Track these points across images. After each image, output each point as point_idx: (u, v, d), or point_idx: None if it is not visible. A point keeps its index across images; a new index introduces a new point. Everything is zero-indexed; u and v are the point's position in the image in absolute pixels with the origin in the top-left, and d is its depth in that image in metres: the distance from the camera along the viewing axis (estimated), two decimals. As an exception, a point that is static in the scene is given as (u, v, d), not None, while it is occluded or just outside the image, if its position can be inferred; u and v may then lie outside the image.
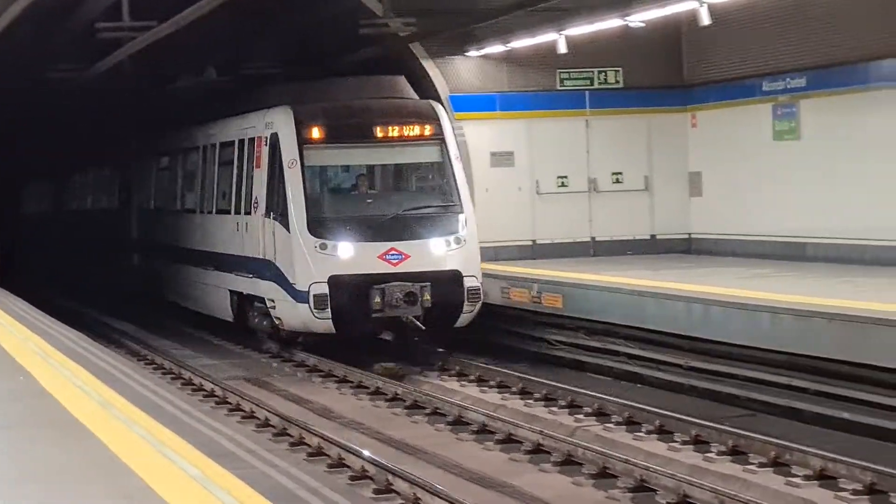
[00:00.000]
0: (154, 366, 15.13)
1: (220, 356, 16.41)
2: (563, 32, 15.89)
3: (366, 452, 8.68)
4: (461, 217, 13.99)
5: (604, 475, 8.14)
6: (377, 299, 13.01)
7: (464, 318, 13.66)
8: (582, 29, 15.71)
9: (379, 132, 13.89)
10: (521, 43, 16.82)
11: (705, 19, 13.73)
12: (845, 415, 9.97)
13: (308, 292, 13.15)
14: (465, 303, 13.52)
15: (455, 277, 13.47)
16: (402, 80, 16.02)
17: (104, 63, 18.61)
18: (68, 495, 4.20)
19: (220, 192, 16.69)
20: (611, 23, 15.02)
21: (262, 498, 3.61)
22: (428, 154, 14.40)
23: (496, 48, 17.40)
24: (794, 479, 7.84)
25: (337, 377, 13.55)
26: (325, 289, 13.06)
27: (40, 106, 24.37)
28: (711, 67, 18.41)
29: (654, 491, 7.60)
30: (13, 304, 15.65)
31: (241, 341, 16.92)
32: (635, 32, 15.55)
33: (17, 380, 8.73)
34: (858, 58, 14.84)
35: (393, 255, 13.25)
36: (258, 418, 11.52)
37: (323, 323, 13.35)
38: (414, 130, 14.05)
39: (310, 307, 13.16)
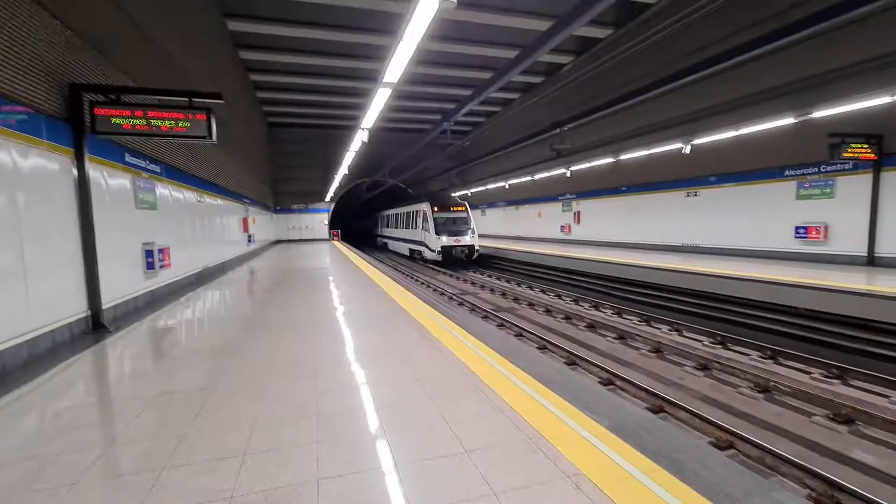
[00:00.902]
0: (379, 261, 24.48)
1: (392, 260, 28.79)
2: (455, 194, 30.97)
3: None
4: (472, 229, 25.05)
5: (533, 304, 11.77)
6: (454, 252, 23.72)
7: (473, 257, 24.41)
8: (469, 190, 30.77)
9: (452, 208, 25.10)
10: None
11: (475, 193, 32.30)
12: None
13: (435, 249, 24.10)
14: (475, 254, 24.45)
15: (472, 246, 24.36)
16: (458, 197, 28.22)
17: (363, 198, 42.48)
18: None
19: (408, 223, 29.17)
20: (462, 196, 31.23)
21: (418, 300, 8.49)
22: (463, 213, 25.41)
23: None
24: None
25: (437, 270, 23.22)
26: (440, 249, 23.83)
27: (356, 202, 47.06)
28: (477, 203, 37.27)
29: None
30: (349, 246, 28.77)
31: (406, 262, 28.18)
32: (469, 197, 33.33)
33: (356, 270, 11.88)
34: (516, 199, 30.47)
35: (457, 240, 24.01)
36: (418, 280, 18.94)
37: (439, 258, 24.02)
38: (460, 207, 25.24)
39: (436, 254, 24.07)
